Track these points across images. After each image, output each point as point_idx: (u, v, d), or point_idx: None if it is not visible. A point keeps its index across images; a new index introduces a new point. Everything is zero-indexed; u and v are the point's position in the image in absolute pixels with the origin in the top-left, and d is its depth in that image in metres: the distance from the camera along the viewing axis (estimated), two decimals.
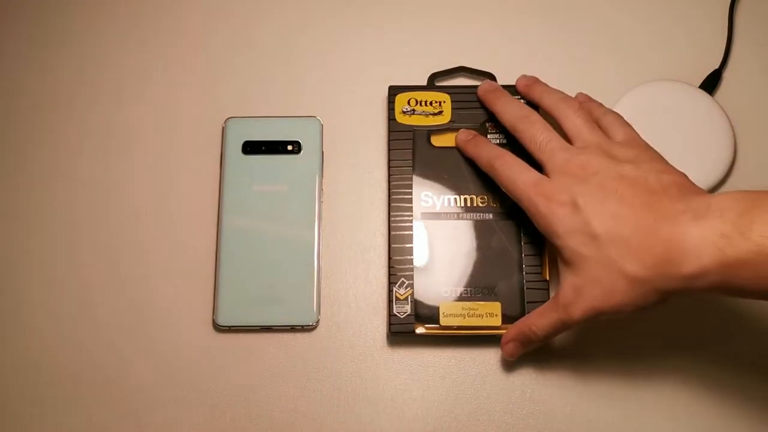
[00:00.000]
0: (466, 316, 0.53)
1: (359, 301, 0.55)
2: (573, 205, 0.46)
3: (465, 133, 0.56)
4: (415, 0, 0.63)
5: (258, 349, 0.54)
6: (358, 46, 0.61)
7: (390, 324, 0.53)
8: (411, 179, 0.56)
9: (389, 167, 0.56)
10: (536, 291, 0.53)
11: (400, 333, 0.53)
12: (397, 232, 0.54)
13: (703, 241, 0.41)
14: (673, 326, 0.54)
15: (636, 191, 0.45)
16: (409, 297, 0.53)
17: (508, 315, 0.53)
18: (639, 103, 0.58)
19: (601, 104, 0.54)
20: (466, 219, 0.55)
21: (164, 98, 0.60)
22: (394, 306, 0.53)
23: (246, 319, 0.54)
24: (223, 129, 0.58)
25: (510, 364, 0.54)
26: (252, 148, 0.57)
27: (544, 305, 0.49)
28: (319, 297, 0.55)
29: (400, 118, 0.57)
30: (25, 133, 0.59)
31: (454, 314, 0.53)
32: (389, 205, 0.55)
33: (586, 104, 0.53)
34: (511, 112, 0.53)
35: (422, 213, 0.55)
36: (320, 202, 0.57)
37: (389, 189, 0.56)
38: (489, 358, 0.54)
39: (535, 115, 0.52)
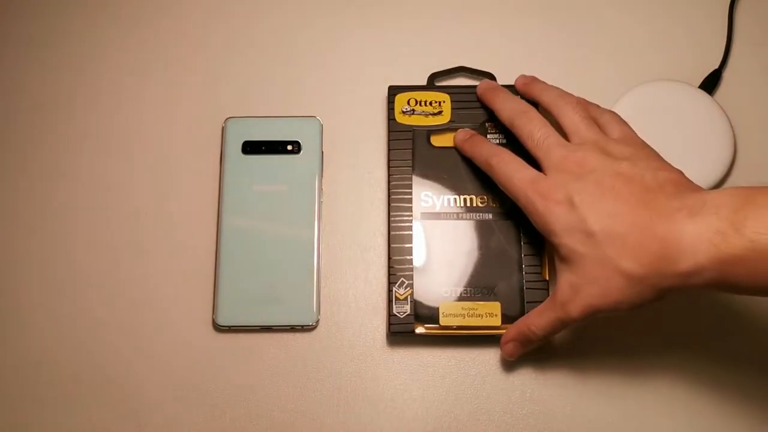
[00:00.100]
0: (466, 316, 0.53)
1: (359, 301, 0.55)
2: (569, 202, 0.46)
3: (463, 133, 0.56)
4: (415, 0, 0.63)
5: (258, 349, 0.54)
6: (358, 46, 0.61)
7: (390, 324, 0.53)
8: (411, 179, 0.56)
9: (389, 167, 0.56)
10: (536, 291, 0.53)
11: (399, 333, 0.53)
12: (397, 232, 0.54)
13: (699, 238, 0.41)
14: (671, 325, 0.54)
15: (632, 189, 0.45)
16: (409, 297, 0.53)
17: (508, 315, 0.53)
18: (639, 103, 0.58)
19: (598, 105, 0.54)
20: (466, 219, 0.55)
21: (164, 98, 0.60)
22: (394, 306, 0.53)
23: (246, 319, 0.54)
24: (223, 129, 0.58)
25: (510, 364, 0.54)
26: (252, 148, 0.57)
27: (542, 304, 0.49)
28: (319, 297, 0.55)
29: (400, 118, 0.57)
30: (25, 133, 0.60)
31: (453, 314, 0.53)
32: (389, 205, 0.55)
33: (583, 103, 0.53)
34: (510, 108, 0.53)
35: (422, 213, 0.55)
36: (320, 202, 0.57)
37: (389, 189, 0.56)
38: (489, 358, 0.54)
39: (533, 111, 0.52)
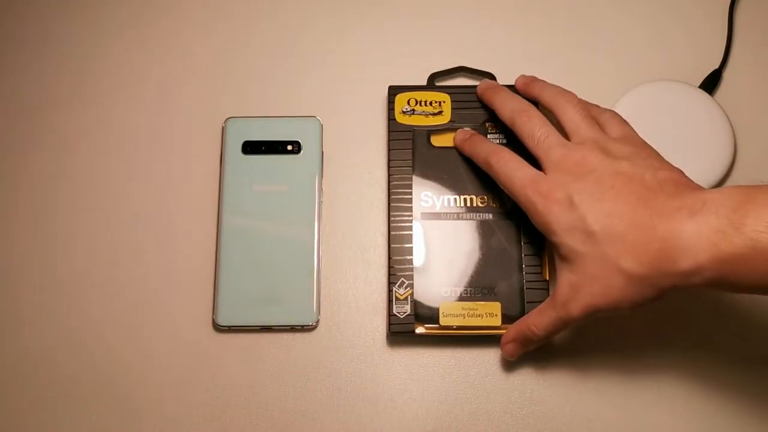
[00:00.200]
0: (466, 316, 0.53)
1: (359, 301, 0.55)
2: (569, 202, 0.46)
3: (462, 133, 0.56)
4: (415, 0, 0.63)
5: (258, 349, 0.54)
6: (358, 46, 0.61)
7: (390, 324, 0.53)
8: (411, 179, 0.56)
9: (389, 167, 0.56)
10: (536, 291, 0.53)
11: (400, 333, 0.53)
12: (397, 232, 0.54)
13: (699, 237, 0.41)
14: (671, 325, 0.54)
15: (632, 188, 0.45)
16: (409, 297, 0.53)
17: (508, 315, 0.53)
18: (639, 103, 0.58)
19: (597, 106, 0.54)
20: (466, 219, 0.55)
21: (164, 98, 0.60)
22: (394, 306, 0.53)
23: (246, 319, 0.54)
24: (223, 129, 0.58)
25: (510, 364, 0.54)
26: (252, 148, 0.57)
27: (543, 304, 0.49)
28: (319, 297, 0.55)
29: (400, 118, 0.57)
30: (25, 133, 0.60)
31: (453, 314, 0.53)
32: (389, 205, 0.55)
33: (583, 102, 0.53)
34: (510, 106, 0.53)
35: (422, 213, 0.55)
36: (320, 202, 0.57)
37: (389, 189, 0.56)
38: (489, 358, 0.54)
39: (533, 110, 0.52)
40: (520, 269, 0.53)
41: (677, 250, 0.42)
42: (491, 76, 0.59)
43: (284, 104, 0.60)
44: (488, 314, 0.53)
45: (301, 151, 0.57)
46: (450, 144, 0.56)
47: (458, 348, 0.54)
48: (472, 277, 0.53)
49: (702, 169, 0.56)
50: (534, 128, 0.50)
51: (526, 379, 0.53)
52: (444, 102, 0.57)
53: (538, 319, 0.49)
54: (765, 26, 0.62)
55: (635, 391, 0.53)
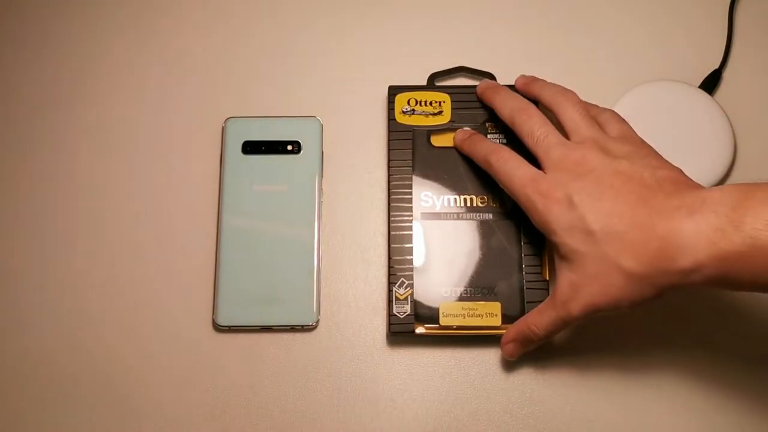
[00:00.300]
0: (466, 316, 0.53)
1: (359, 301, 0.55)
2: (569, 201, 0.46)
3: (462, 133, 0.56)
4: (416, 0, 0.63)
5: (258, 349, 0.54)
6: (358, 46, 0.61)
7: (390, 324, 0.53)
8: (411, 179, 0.56)
9: (389, 167, 0.56)
10: (536, 291, 0.53)
11: (400, 333, 0.53)
12: (397, 232, 0.54)
13: (698, 236, 0.41)
14: (671, 325, 0.54)
15: (631, 187, 0.45)
16: (409, 297, 0.53)
17: (508, 315, 0.53)
18: (639, 103, 0.58)
19: (597, 105, 0.54)
20: (466, 219, 0.55)
21: (164, 98, 0.60)
22: (394, 306, 0.53)
23: (246, 319, 0.54)
24: (223, 129, 0.58)
25: (510, 364, 0.54)
26: (252, 148, 0.57)
27: (542, 304, 0.49)
28: (319, 297, 0.55)
29: (400, 118, 0.57)
30: (25, 133, 0.60)
31: (453, 314, 0.53)
32: (389, 205, 0.55)
33: (583, 102, 0.53)
34: (510, 105, 0.53)
35: (422, 213, 0.55)
36: (320, 202, 0.57)
37: (389, 189, 0.56)
38: (489, 358, 0.54)
39: (533, 109, 0.52)
40: (520, 269, 0.53)
41: (677, 249, 0.42)
42: (491, 76, 0.59)
43: (284, 104, 0.60)
44: (488, 314, 0.53)
45: (301, 151, 0.57)
46: (450, 144, 0.56)
47: (458, 348, 0.54)
48: (472, 277, 0.53)
49: (702, 169, 0.56)
50: (534, 127, 0.50)
51: (526, 379, 0.53)
52: (444, 102, 0.57)
53: (538, 319, 0.49)
54: (765, 26, 0.62)
55: (635, 391, 0.53)
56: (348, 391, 0.53)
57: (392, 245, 0.54)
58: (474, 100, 0.57)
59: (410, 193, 0.55)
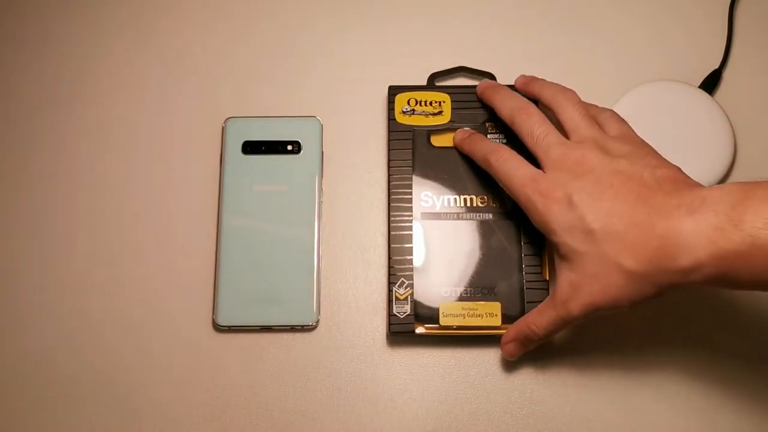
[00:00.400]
0: (466, 316, 0.53)
1: (359, 301, 0.55)
2: (568, 201, 0.46)
3: (462, 132, 0.56)
4: (416, 0, 0.63)
5: (258, 349, 0.54)
6: (358, 46, 0.61)
7: (390, 324, 0.53)
8: (411, 179, 0.56)
9: (389, 167, 0.56)
10: (536, 291, 0.53)
11: (400, 333, 0.53)
12: (397, 232, 0.54)
13: (698, 235, 0.41)
14: (671, 325, 0.54)
15: (631, 187, 0.45)
16: (409, 297, 0.53)
17: (508, 315, 0.53)
18: (639, 103, 0.58)
19: (596, 105, 0.54)
20: (466, 219, 0.55)
21: (164, 98, 0.60)
22: (394, 306, 0.53)
23: (246, 319, 0.54)
24: (223, 129, 0.58)
25: (510, 364, 0.54)
26: (252, 148, 0.57)
27: (542, 303, 0.49)
28: (319, 297, 0.55)
29: (400, 118, 0.57)
30: (25, 133, 0.60)
31: (453, 314, 0.53)
32: (389, 205, 0.55)
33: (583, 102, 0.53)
34: (510, 105, 0.53)
35: (422, 213, 0.55)
36: (320, 202, 0.57)
37: (389, 189, 0.56)
38: (489, 358, 0.54)
39: (532, 108, 0.52)
40: (520, 269, 0.53)
41: (676, 248, 0.42)
42: (491, 76, 0.59)
43: (284, 104, 0.60)
44: (488, 314, 0.53)
45: (301, 151, 0.57)
46: (450, 144, 0.56)
47: (458, 348, 0.54)
48: (472, 277, 0.53)
49: (702, 169, 0.56)
50: (533, 126, 0.50)
51: (526, 379, 0.53)
52: (444, 102, 0.57)
53: (538, 319, 0.49)
54: (765, 26, 0.62)
55: (635, 391, 0.53)
56: (348, 391, 0.53)
57: (392, 245, 0.54)
58: (474, 100, 0.57)
59: (410, 193, 0.55)
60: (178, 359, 0.54)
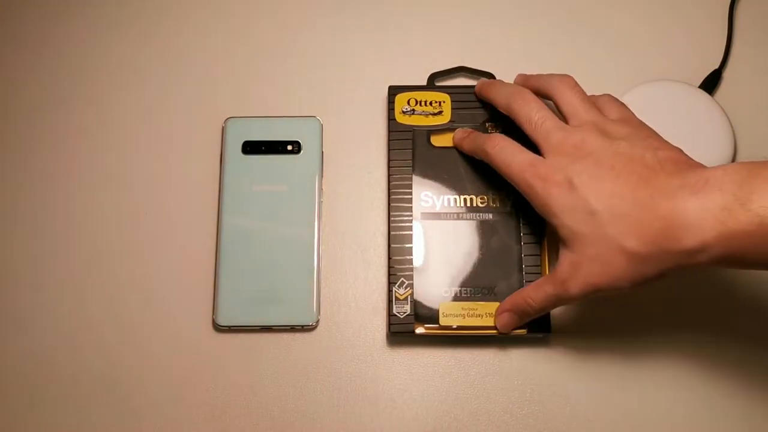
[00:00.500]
0: (466, 316, 0.53)
1: (359, 301, 0.55)
2: (569, 184, 0.46)
3: (461, 132, 0.56)
4: (415, 0, 0.63)
5: (258, 349, 0.54)
6: (358, 46, 0.61)
7: (390, 324, 0.53)
8: (411, 179, 0.56)
9: (389, 167, 0.56)
10: None
11: (399, 333, 0.53)
12: (397, 232, 0.54)
13: (705, 215, 0.41)
14: (673, 325, 0.54)
15: (632, 168, 0.45)
16: (409, 297, 0.53)
17: None
18: (639, 103, 0.58)
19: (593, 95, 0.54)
20: (466, 219, 0.55)
21: (164, 98, 0.60)
22: (394, 306, 0.53)
23: (246, 319, 0.54)
24: (223, 129, 0.58)
25: (510, 364, 0.54)
26: (252, 148, 0.57)
27: (542, 279, 0.49)
28: (319, 297, 0.55)
29: (400, 118, 0.57)
30: (25, 133, 0.60)
31: (453, 314, 0.53)
32: (389, 205, 0.55)
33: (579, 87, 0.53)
34: (506, 93, 0.53)
35: (422, 213, 0.55)
36: (320, 202, 0.57)
37: (389, 189, 0.56)
38: (489, 358, 0.54)
39: (529, 94, 0.52)
40: (520, 269, 0.53)
41: (681, 229, 0.42)
42: (491, 76, 0.59)
43: (284, 104, 0.60)
44: (488, 314, 0.53)
45: (301, 151, 0.57)
46: (450, 144, 0.56)
47: (458, 348, 0.54)
48: (472, 277, 0.53)
49: None
50: (531, 112, 0.50)
51: (526, 379, 0.53)
52: (444, 102, 0.57)
53: (535, 293, 0.49)
54: (765, 26, 0.62)
55: (635, 391, 0.53)
56: (348, 391, 0.53)
57: (392, 245, 0.54)
58: (474, 100, 0.57)
59: (410, 193, 0.55)
60: (178, 359, 0.54)
